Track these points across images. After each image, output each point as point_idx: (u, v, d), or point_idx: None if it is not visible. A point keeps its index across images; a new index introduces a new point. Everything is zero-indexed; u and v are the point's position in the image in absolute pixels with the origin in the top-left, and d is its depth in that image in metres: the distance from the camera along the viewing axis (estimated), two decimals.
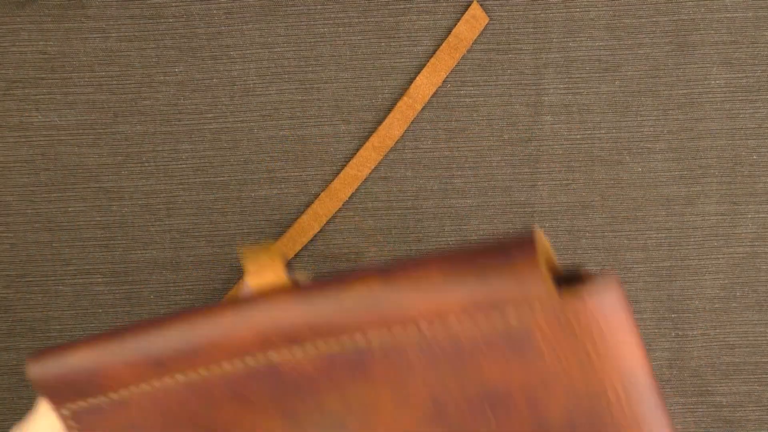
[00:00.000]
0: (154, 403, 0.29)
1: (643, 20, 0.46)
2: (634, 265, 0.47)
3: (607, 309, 0.24)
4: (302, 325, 0.27)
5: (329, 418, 0.28)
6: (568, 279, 0.26)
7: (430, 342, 0.25)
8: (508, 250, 0.25)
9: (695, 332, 0.48)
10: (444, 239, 0.47)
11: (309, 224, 0.41)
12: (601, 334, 0.24)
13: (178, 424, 0.29)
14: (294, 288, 0.27)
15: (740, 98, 0.46)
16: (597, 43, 0.46)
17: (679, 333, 0.48)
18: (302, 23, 0.46)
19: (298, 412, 0.28)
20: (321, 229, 0.47)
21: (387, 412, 0.27)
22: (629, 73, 0.46)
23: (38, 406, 0.31)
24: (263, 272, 0.28)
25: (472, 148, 0.47)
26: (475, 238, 0.47)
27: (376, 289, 0.26)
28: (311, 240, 0.47)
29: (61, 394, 0.29)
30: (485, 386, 0.25)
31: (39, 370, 0.29)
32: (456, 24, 0.44)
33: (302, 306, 0.27)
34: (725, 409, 0.48)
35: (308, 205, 0.47)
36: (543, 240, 0.26)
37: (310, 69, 0.46)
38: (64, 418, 0.30)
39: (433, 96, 0.46)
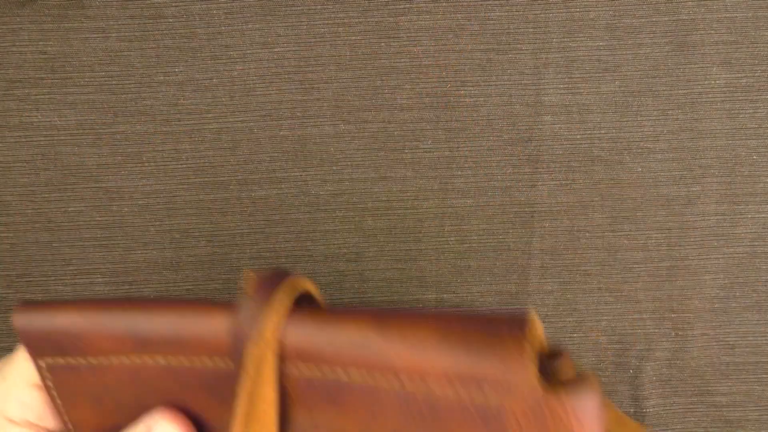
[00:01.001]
0: (130, 374, 0.30)
1: (643, 20, 0.46)
2: (634, 265, 0.47)
3: (583, 413, 0.24)
4: (291, 348, 0.28)
5: (294, 429, 0.29)
6: (552, 356, 0.26)
7: (407, 394, 0.26)
8: (501, 328, 0.25)
9: (695, 332, 0.48)
10: (444, 239, 0.47)
11: None
12: None
13: (150, 397, 0.30)
14: (291, 312, 0.28)
15: (740, 98, 0.46)
16: (597, 43, 0.46)
17: (679, 333, 0.48)
18: (302, 23, 0.46)
19: None
20: (322, 230, 0.47)
21: None
22: (629, 73, 0.46)
23: (18, 350, 0.32)
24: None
25: (472, 148, 0.47)
26: (476, 238, 0.47)
27: (369, 335, 0.26)
28: (312, 241, 0.47)
29: (41, 347, 0.30)
30: None
31: (25, 321, 0.30)
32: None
33: (296, 331, 0.28)
34: (725, 409, 0.48)
35: (309, 204, 0.47)
36: (536, 323, 0.26)
37: (310, 69, 0.46)
38: (39, 369, 0.31)
39: (433, 96, 0.46)
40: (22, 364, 0.32)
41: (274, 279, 0.29)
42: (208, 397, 0.30)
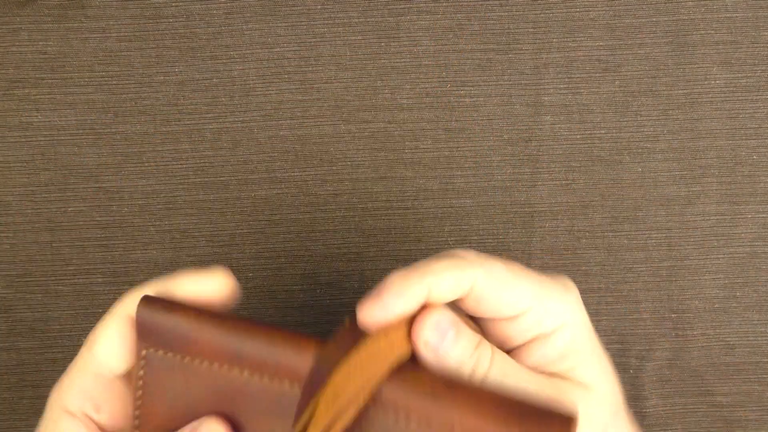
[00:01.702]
0: (213, 381, 0.33)
1: (643, 20, 0.46)
2: (634, 265, 0.47)
3: None
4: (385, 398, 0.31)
5: None
6: None
7: None
8: (551, 420, 0.29)
9: (695, 332, 0.48)
10: (444, 239, 0.47)
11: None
12: None
13: (222, 407, 0.32)
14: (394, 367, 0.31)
15: (740, 98, 0.46)
16: (597, 43, 0.46)
17: (679, 333, 0.48)
18: (302, 23, 0.46)
19: None
20: (322, 230, 0.47)
21: None
22: (629, 73, 0.46)
23: (88, 343, 0.33)
24: (386, 335, 0.31)
25: (472, 148, 0.47)
26: (476, 238, 0.47)
27: (438, 394, 0.30)
28: (312, 241, 0.47)
29: (150, 337, 0.33)
30: None
31: (147, 314, 0.33)
32: None
33: (389, 388, 0.31)
34: (725, 409, 0.48)
35: (309, 204, 0.47)
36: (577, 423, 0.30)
37: (310, 69, 0.46)
38: (139, 357, 0.33)
39: (433, 96, 0.46)
40: (89, 355, 0.33)
41: (356, 330, 0.32)
42: (265, 416, 0.32)
